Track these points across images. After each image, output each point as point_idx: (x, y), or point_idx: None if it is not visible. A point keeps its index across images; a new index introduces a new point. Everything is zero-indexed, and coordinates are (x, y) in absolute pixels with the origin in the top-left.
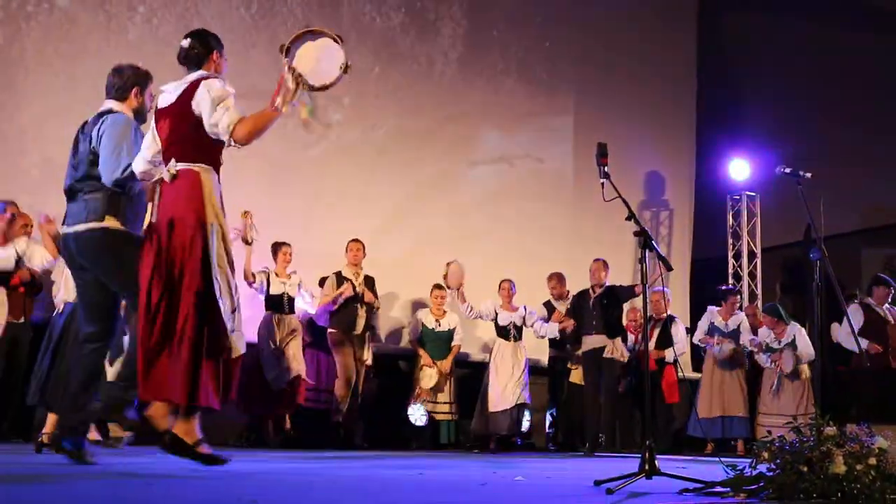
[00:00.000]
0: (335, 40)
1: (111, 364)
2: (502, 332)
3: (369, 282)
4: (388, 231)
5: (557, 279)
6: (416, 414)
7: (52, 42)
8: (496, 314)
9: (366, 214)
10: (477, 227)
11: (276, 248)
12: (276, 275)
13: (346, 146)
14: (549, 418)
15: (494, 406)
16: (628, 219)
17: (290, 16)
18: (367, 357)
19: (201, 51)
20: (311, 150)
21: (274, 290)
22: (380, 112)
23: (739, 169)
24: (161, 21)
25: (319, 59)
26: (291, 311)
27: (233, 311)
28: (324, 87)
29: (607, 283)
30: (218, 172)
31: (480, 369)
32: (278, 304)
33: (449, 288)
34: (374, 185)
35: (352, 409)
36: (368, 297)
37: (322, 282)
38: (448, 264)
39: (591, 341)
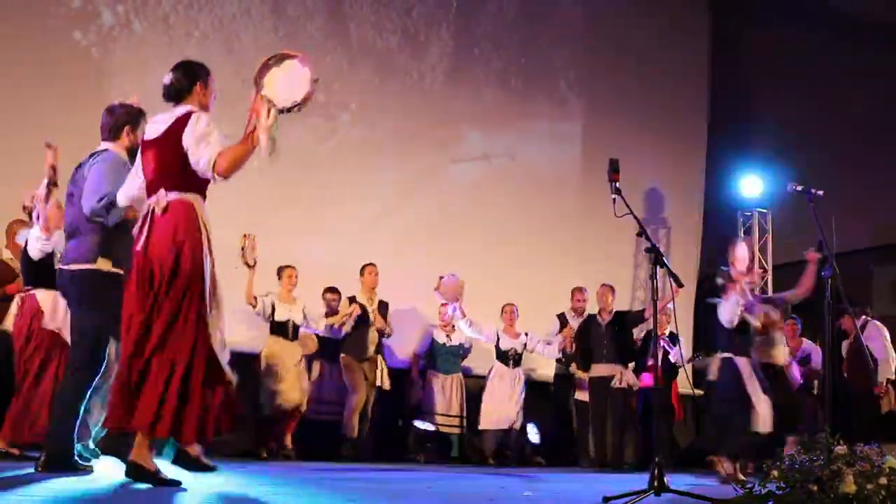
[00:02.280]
0: (300, 61)
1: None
2: (502, 356)
3: (383, 307)
4: (386, 215)
5: (581, 293)
6: (423, 424)
7: (130, 57)
8: (498, 338)
9: (366, 199)
10: (458, 215)
11: (281, 271)
12: (281, 299)
13: (353, 143)
14: (535, 434)
15: (485, 425)
16: (639, 235)
17: (309, 39)
18: (384, 382)
19: (183, 84)
20: (324, 144)
21: (279, 317)
22: (379, 116)
23: (751, 185)
24: (211, 42)
25: (287, 81)
26: (296, 337)
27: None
28: (295, 106)
29: (615, 309)
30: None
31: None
32: (283, 331)
33: (444, 300)
34: (373, 175)
35: (361, 431)
36: (380, 323)
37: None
38: (440, 277)
39: (600, 369)
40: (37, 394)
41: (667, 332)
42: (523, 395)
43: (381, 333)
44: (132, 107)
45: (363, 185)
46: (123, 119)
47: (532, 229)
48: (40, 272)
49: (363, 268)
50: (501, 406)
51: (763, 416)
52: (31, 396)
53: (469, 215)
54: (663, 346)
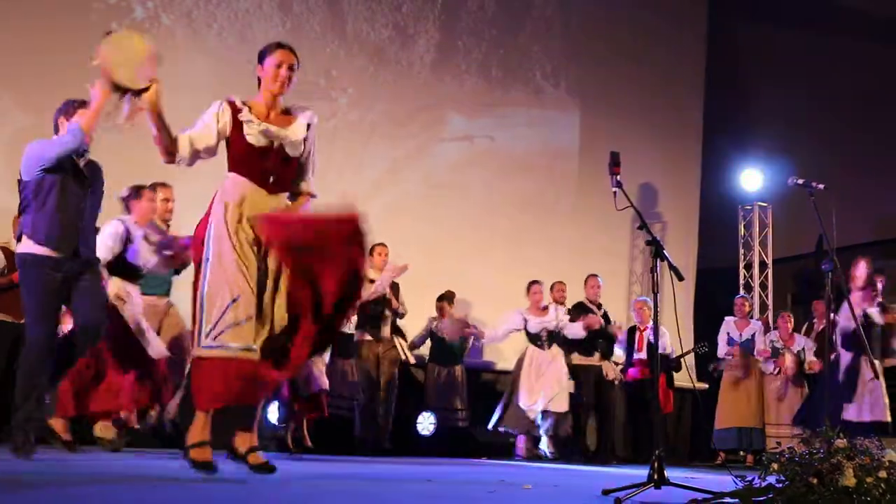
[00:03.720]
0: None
1: None
2: (534, 339)
3: (395, 287)
4: (377, 189)
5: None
6: (425, 423)
7: (159, 47)
8: (525, 321)
9: (360, 176)
10: (442, 189)
11: None
12: None
13: (349, 125)
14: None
15: (523, 403)
16: (640, 228)
17: (311, 31)
18: (408, 356)
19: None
20: (324, 125)
21: None
22: (373, 100)
23: (751, 179)
24: (228, 34)
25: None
26: None
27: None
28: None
29: (601, 303)
30: (252, 177)
31: (500, 378)
32: None
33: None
34: (366, 154)
35: (376, 414)
36: (394, 303)
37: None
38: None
39: (590, 358)
40: (106, 373)
41: (650, 325)
42: (567, 376)
43: (395, 313)
44: (73, 101)
45: (356, 161)
46: (60, 111)
47: (521, 220)
48: (111, 264)
49: (372, 248)
50: (544, 389)
51: None
52: (102, 373)
53: (449, 187)
54: (662, 340)
